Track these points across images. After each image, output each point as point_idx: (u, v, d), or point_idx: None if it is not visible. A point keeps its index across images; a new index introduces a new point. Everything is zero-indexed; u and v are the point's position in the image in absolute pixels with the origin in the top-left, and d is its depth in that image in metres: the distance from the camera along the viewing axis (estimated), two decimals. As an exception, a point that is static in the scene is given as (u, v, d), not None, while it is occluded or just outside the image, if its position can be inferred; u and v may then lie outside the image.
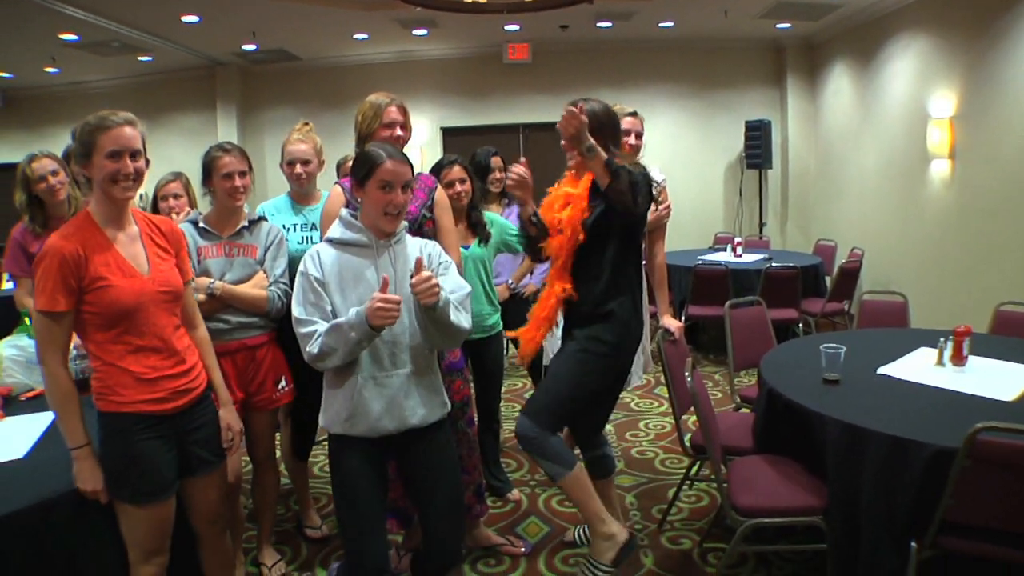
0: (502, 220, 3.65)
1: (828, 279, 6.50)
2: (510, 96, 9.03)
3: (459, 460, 2.76)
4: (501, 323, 3.57)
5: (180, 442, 2.18)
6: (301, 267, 2.26)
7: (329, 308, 2.22)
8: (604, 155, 2.45)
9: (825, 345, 2.81)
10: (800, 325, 5.81)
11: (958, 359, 2.91)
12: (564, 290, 2.70)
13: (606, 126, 2.66)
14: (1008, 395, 2.61)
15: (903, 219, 6.80)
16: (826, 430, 2.49)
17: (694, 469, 3.38)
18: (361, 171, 2.26)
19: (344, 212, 2.35)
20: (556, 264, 2.75)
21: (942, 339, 2.97)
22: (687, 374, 2.69)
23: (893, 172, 6.96)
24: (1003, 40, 5.35)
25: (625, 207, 2.47)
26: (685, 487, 3.56)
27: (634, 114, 3.34)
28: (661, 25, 7.83)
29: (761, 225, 8.75)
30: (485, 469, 3.55)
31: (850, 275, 5.90)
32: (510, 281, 3.93)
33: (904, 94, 6.75)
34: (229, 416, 2.40)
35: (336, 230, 2.32)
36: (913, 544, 2.28)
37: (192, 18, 6.67)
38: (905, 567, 2.28)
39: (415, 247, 2.37)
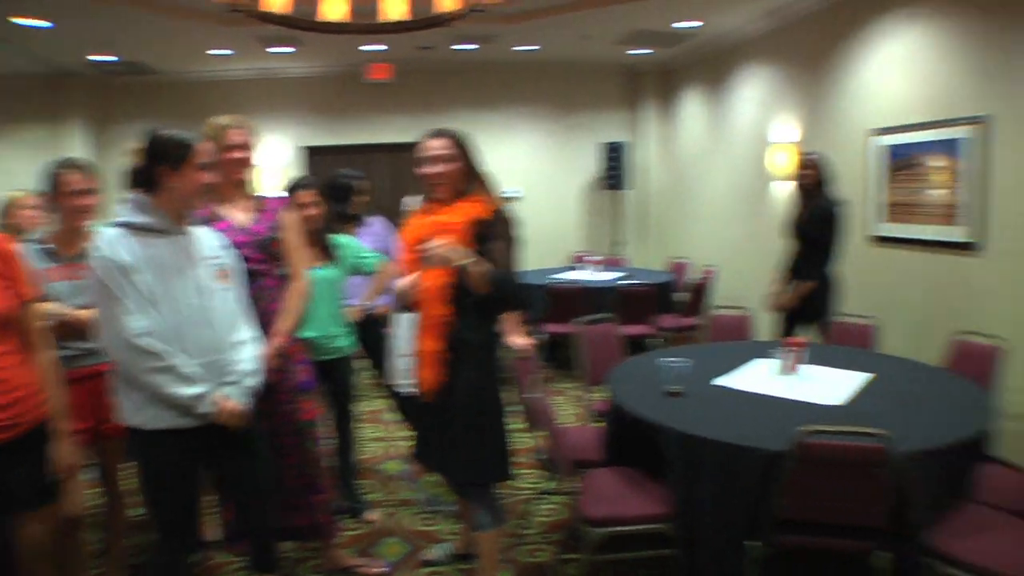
0: (354, 243, 3.64)
1: (681, 295, 6.76)
2: (374, 116, 8.95)
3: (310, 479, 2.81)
4: (352, 344, 3.57)
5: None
6: (104, 252, 2.16)
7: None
8: (483, 268, 2.43)
9: (664, 359, 2.91)
10: (663, 340, 6.00)
11: (792, 369, 3.08)
12: (443, 317, 2.58)
13: (470, 154, 2.64)
14: (837, 400, 2.80)
15: (750, 237, 7.19)
16: (667, 440, 2.57)
17: (550, 483, 3.43)
18: (176, 155, 2.23)
19: (134, 196, 2.28)
20: (429, 295, 2.60)
21: (777, 349, 3.15)
22: (536, 391, 2.73)
23: (740, 193, 7.38)
24: (837, 72, 5.79)
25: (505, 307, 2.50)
26: (544, 501, 3.60)
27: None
28: (522, 48, 7.97)
29: (618, 244, 9.04)
30: (340, 490, 3.50)
31: (699, 291, 6.17)
32: (362, 302, 3.88)
33: (750, 119, 7.18)
34: (62, 450, 2.25)
35: (130, 214, 2.25)
36: (753, 543, 2.39)
37: (34, 23, 6.19)
38: (745, 566, 2.39)
39: (203, 232, 2.41)
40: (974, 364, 3.29)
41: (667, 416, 2.66)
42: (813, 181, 4.76)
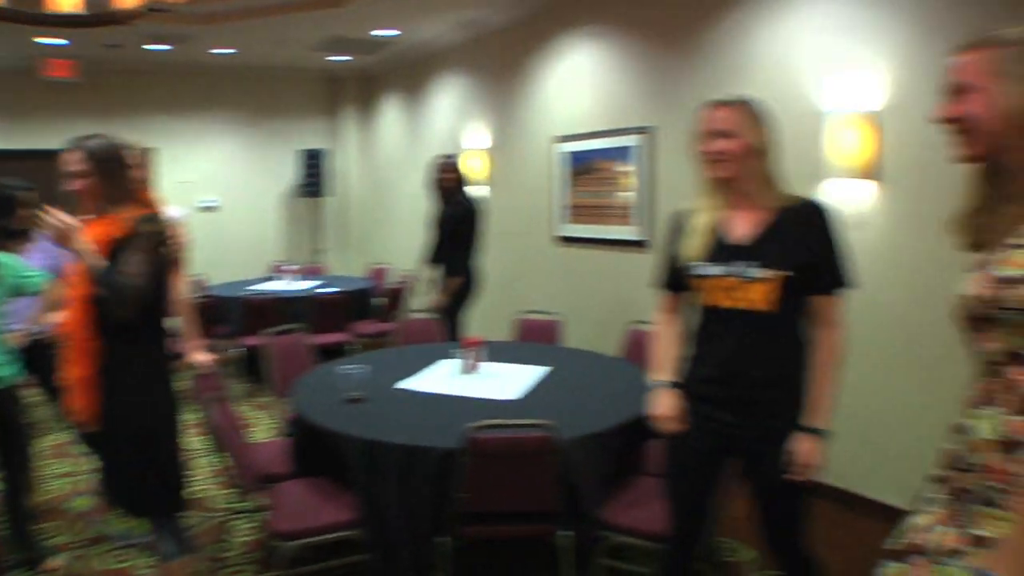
0: (16, 262, 3.21)
1: (380, 301, 6.83)
2: (54, 118, 7.84)
3: None
4: (17, 373, 3.13)
5: None
6: None
7: None
8: (92, 260, 2.25)
9: (344, 367, 2.93)
10: (360, 347, 5.99)
11: (473, 367, 3.24)
12: (88, 341, 2.34)
13: (108, 168, 2.37)
14: (513, 394, 2.97)
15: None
16: (348, 447, 2.57)
17: (244, 503, 3.29)
18: None
19: None
20: (72, 317, 2.36)
21: (457, 350, 3.29)
22: (218, 409, 2.61)
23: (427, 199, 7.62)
24: (525, 82, 6.18)
25: (115, 316, 2.30)
26: (241, 520, 3.46)
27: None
28: (219, 51, 7.57)
29: (319, 252, 8.91)
30: (14, 539, 3.12)
31: (396, 297, 6.28)
32: (28, 326, 3.44)
33: (445, 126, 7.43)
34: None
35: None
36: (442, 539, 2.46)
37: None
38: (436, 561, 2.47)
39: None
40: (645, 351, 3.67)
41: (347, 423, 2.66)
42: (454, 183, 5.21)
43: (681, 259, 2.18)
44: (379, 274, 7.53)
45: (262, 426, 5.08)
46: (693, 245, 2.15)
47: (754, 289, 2.06)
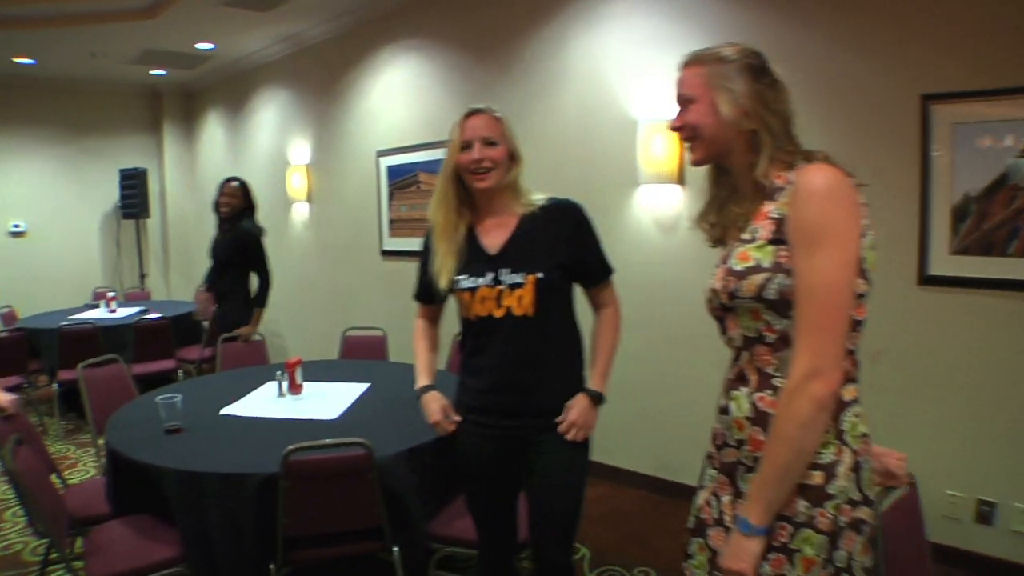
0: None
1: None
2: None
3: None
4: None
5: None
6: None
7: None
8: None
9: (161, 396, 2.85)
10: (181, 373, 5.78)
11: (295, 388, 3.23)
12: None
13: None
14: (333, 414, 2.97)
15: (274, 260, 7.17)
16: (167, 480, 2.50)
17: (55, 552, 3.10)
18: None
19: None
20: None
21: (279, 372, 3.26)
22: (15, 453, 2.46)
23: (262, 216, 7.34)
24: (347, 96, 6.17)
25: None
26: (61, 572, 3.26)
27: None
28: (20, 61, 7.06)
29: (142, 276, 8.48)
30: None
31: (225, 319, 6.09)
32: None
33: (269, 142, 7.28)
34: None
35: None
36: (271, 566, 2.43)
37: None
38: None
39: None
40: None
41: (164, 455, 2.59)
42: (237, 207, 4.98)
43: (438, 273, 2.17)
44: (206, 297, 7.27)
45: (83, 465, 4.80)
46: (443, 259, 2.16)
47: (514, 296, 2.09)
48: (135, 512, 2.75)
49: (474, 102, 4.99)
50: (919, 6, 3.18)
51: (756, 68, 1.54)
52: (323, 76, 6.44)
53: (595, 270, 2.23)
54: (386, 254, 5.90)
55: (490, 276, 2.12)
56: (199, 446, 2.72)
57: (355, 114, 6.12)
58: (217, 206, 5.04)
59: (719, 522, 1.56)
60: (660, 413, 4.11)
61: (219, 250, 5.04)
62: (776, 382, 1.45)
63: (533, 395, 2.15)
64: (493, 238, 2.17)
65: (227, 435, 2.84)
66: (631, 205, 4.17)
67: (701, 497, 1.64)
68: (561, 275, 2.15)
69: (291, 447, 2.30)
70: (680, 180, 3.99)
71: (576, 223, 2.20)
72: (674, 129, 1.63)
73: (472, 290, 2.12)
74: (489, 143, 2.09)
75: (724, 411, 1.56)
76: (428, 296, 2.33)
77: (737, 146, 1.55)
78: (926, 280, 3.24)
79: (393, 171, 5.72)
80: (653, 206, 4.11)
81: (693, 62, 1.59)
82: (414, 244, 5.51)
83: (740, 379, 1.52)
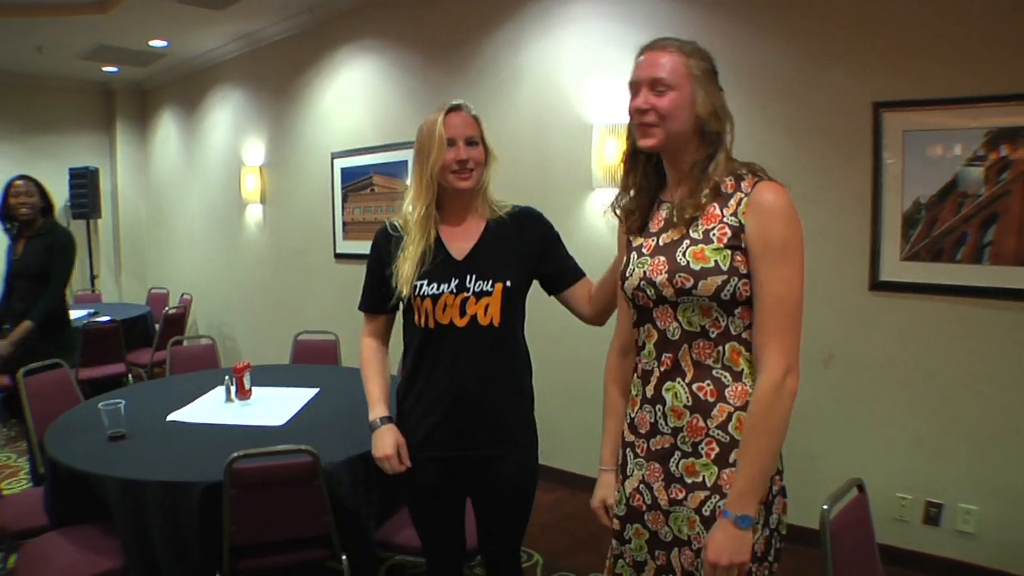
0: None
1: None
2: None
3: None
4: None
5: None
6: None
7: None
8: None
9: (104, 403, 2.76)
10: (131, 377, 5.64)
11: (243, 393, 3.15)
12: None
13: None
14: (281, 420, 2.91)
15: (227, 262, 7.20)
16: (108, 488, 2.41)
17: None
18: None
19: None
20: None
21: (227, 377, 3.19)
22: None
23: (216, 217, 7.33)
24: (302, 97, 6.08)
25: None
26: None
27: None
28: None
29: (93, 278, 8.27)
30: None
31: (175, 322, 5.97)
32: None
33: (223, 142, 7.15)
34: None
35: None
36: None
37: None
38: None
39: None
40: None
41: (106, 463, 2.50)
42: (37, 206, 4.08)
43: (396, 278, 2.02)
44: (159, 299, 7.14)
45: (24, 474, 4.65)
46: (413, 264, 1.99)
47: (480, 304, 1.98)
48: (75, 523, 2.66)
49: (429, 104, 4.99)
50: (872, 15, 3.22)
51: (715, 72, 1.61)
52: (278, 76, 6.34)
53: (570, 271, 2.14)
54: (339, 257, 5.82)
55: (455, 282, 1.99)
56: (143, 453, 2.63)
57: (310, 115, 6.04)
58: (7, 213, 4.07)
59: (653, 507, 1.64)
60: (560, 406, 4.09)
61: (29, 263, 4.01)
62: (716, 374, 1.55)
63: (497, 413, 2.03)
64: (459, 242, 2.05)
65: (172, 442, 2.76)
66: (585, 209, 4.17)
67: (629, 485, 1.70)
68: (526, 285, 2.09)
69: (235, 454, 2.23)
70: (636, 184, 3.98)
71: (546, 231, 2.13)
72: (638, 110, 1.59)
73: (435, 297, 1.98)
74: (471, 142, 2.00)
75: (653, 401, 1.63)
76: (378, 305, 2.15)
77: (691, 142, 1.60)
78: (877, 286, 3.27)
79: (347, 173, 5.65)
80: (602, 210, 4.10)
81: (672, 48, 1.58)
82: (368, 247, 5.43)
83: (676, 370, 1.59)
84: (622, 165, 1.74)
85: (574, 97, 4.21)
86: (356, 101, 5.57)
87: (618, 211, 1.76)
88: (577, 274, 2.15)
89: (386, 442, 2.02)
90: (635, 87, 1.60)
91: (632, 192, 1.72)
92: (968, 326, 3.11)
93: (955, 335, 3.14)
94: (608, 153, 3.93)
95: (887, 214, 3.23)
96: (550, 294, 2.18)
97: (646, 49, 1.60)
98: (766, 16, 3.50)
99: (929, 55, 3.09)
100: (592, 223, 4.11)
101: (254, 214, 6.74)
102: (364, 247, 5.48)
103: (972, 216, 3.04)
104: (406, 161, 5.08)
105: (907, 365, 3.23)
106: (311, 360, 4.26)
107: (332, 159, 5.76)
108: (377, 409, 2.10)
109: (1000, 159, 2.97)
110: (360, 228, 5.58)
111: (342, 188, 5.69)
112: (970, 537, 3.15)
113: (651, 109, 1.56)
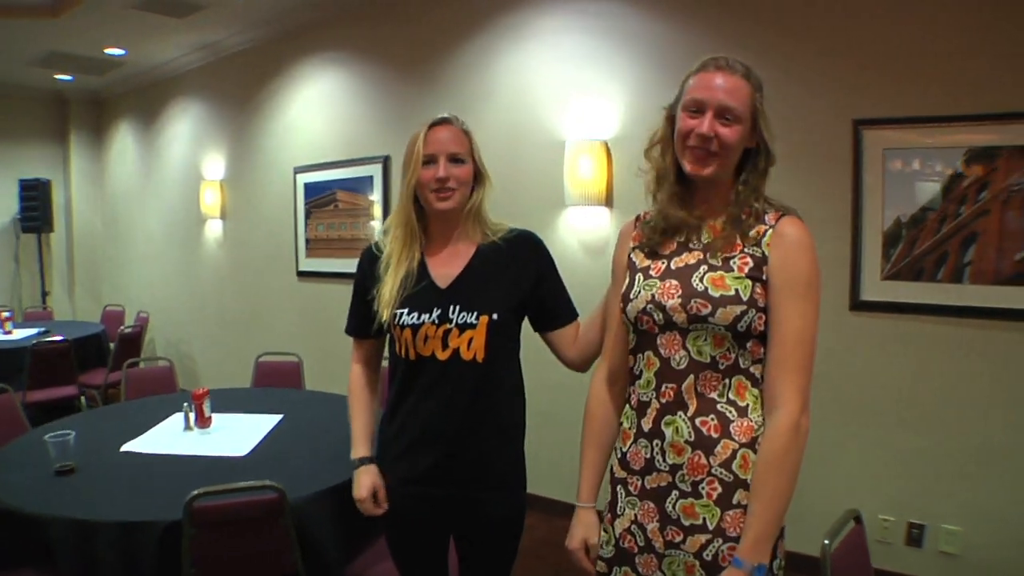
0: None
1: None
2: None
3: None
4: None
5: None
6: None
7: None
8: None
9: (51, 434, 2.57)
10: (84, 400, 5.39)
11: (203, 421, 2.98)
12: None
13: None
14: (243, 450, 2.74)
15: (185, 279, 6.97)
16: (52, 529, 2.20)
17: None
18: None
19: None
20: None
21: (186, 404, 3.02)
22: None
23: (174, 232, 7.10)
24: (265, 109, 5.91)
25: None
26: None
27: None
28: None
29: (44, 294, 7.96)
30: None
31: (131, 341, 5.73)
32: None
33: (182, 156, 6.93)
34: None
35: None
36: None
37: None
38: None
39: None
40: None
41: (52, 501, 2.30)
42: None
43: (379, 304, 1.87)
44: (114, 317, 6.89)
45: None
46: (393, 288, 1.86)
47: (463, 337, 1.82)
48: (13, 567, 2.46)
49: (396, 118, 4.84)
50: (852, 33, 3.19)
51: None
52: (240, 88, 6.16)
53: (564, 310, 2.00)
54: (302, 275, 5.65)
55: (437, 312, 1.83)
56: (94, 489, 2.43)
57: (272, 128, 5.87)
58: None
59: (647, 549, 1.54)
60: (537, 431, 3.97)
61: None
62: (721, 408, 1.46)
63: (482, 455, 1.88)
64: (445, 269, 1.89)
65: (126, 476, 2.56)
66: (557, 227, 4.08)
67: (620, 525, 1.60)
68: (516, 317, 1.94)
69: (196, 492, 2.08)
70: (608, 202, 3.91)
71: (543, 260, 1.98)
72: (702, 135, 1.47)
73: (414, 327, 1.83)
74: (456, 160, 1.84)
75: (650, 435, 1.53)
76: (364, 329, 1.98)
77: (732, 173, 1.54)
78: (858, 305, 3.23)
79: (310, 188, 5.49)
80: (580, 228, 4.03)
81: (741, 74, 1.49)
82: (332, 265, 5.31)
83: (678, 403, 1.49)
84: (656, 182, 1.61)
85: (547, 112, 4.12)
86: (320, 115, 5.42)
87: (651, 230, 1.62)
88: (571, 314, 2.01)
89: (362, 484, 1.92)
90: (699, 107, 1.49)
91: (671, 214, 1.59)
92: (949, 346, 3.08)
93: (936, 355, 3.11)
94: (582, 169, 3.85)
95: (867, 233, 3.18)
96: (537, 331, 2.04)
97: (714, 66, 1.49)
98: (744, 34, 3.45)
99: (909, 74, 3.07)
100: (565, 242, 4.02)
101: (214, 230, 6.54)
102: (327, 265, 5.47)
103: (952, 235, 3.01)
104: (371, 177, 4.97)
105: (888, 386, 3.19)
106: (273, 383, 4.09)
107: (295, 174, 5.60)
108: (358, 448, 1.98)
109: (979, 178, 2.95)
110: (323, 245, 5.43)
111: (305, 204, 5.54)
112: (954, 558, 3.12)
113: (715, 137, 1.47)
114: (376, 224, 4.98)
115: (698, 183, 1.55)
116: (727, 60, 1.49)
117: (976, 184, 2.96)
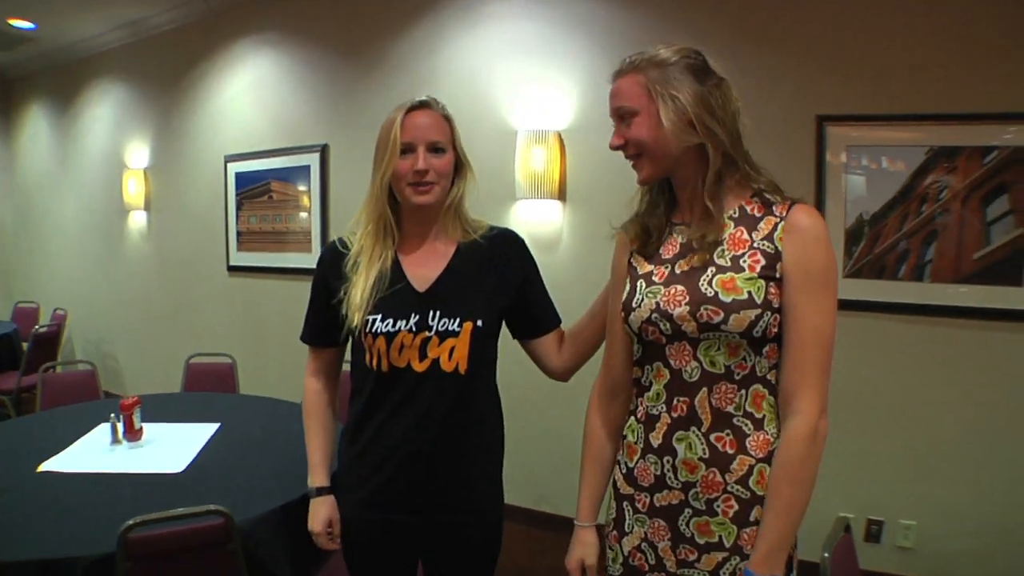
0: None
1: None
2: None
3: None
4: None
5: None
6: None
7: None
8: None
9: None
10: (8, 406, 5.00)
11: (133, 434, 2.73)
12: None
13: None
14: (179, 465, 2.49)
15: (107, 274, 6.54)
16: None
17: None
18: None
19: None
20: None
21: (113, 414, 2.75)
22: None
23: (94, 224, 6.65)
24: (194, 94, 5.55)
25: None
26: None
27: None
28: None
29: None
30: None
31: (47, 342, 5.33)
32: None
33: (103, 142, 6.48)
34: None
35: None
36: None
37: None
38: None
39: None
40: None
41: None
42: None
43: (346, 307, 1.68)
44: (30, 314, 6.45)
45: None
46: (364, 291, 1.67)
47: (444, 346, 1.65)
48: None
49: (335, 104, 4.58)
50: (817, 30, 3.14)
51: (698, 68, 1.41)
52: (167, 70, 5.76)
53: (547, 316, 1.85)
54: (234, 270, 5.35)
55: (415, 319, 1.65)
56: (6, 520, 2.12)
57: (202, 114, 5.53)
58: None
59: (658, 568, 1.48)
60: (538, 444, 3.89)
61: None
62: (737, 422, 1.38)
63: (461, 476, 1.71)
64: (422, 270, 1.71)
65: (46, 502, 2.24)
66: (508, 221, 3.92)
67: (628, 543, 1.53)
68: (499, 324, 1.78)
69: (131, 522, 1.84)
70: (561, 195, 3.79)
71: (528, 262, 1.83)
72: (615, 147, 1.45)
73: (389, 335, 1.65)
74: (436, 149, 1.66)
75: (660, 451, 1.44)
76: (326, 337, 1.80)
77: (687, 160, 1.43)
78: (820, 304, 3.18)
79: (242, 178, 5.19)
80: (532, 222, 3.89)
81: (629, 70, 1.43)
82: (265, 259, 5.05)
83: (691, 418, 1.41)
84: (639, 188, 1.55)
85: (496, 101, 3.96)
86: (253, 100, 5.12)
87: (633, 232, 1.54)
88: (553, 320, 1.86)
89: (318, 517, 1.77)
90: (615, 122, 1.46)
91: (645, 212, 1.54)
92: (909, 344, 3.08)
93: (896, 353, 3.11)
94: (534, 161, 3.70)
95: (831, 231, 3.12)
96: (517, 338, 1.87)
97: (613, 78, 1.46)
98: (703, 25, 3.37)
99: (874, 72, 3.05)
100: (517, 236, 3.88)
101: (138, 221, 6.14)
102: (261, 259, 5.19)
103: (914, 233, 2.99)
104: (308, 166, 4.72)
105: (848, 383, 3.15)
106: (206, 386, 3.82)
107: (226, 163, 5.29)
108: (316, 476, 1.82)
109: (940, 177, 2.93)
110: (256, 238, 5.15)
111: (236, 195, 5.24)
112: (909, 552, 3.16)
113: (625, 143, 1.43)
114: (312, 217, 4.74)
115: (678, 190, 1.50)
116: (621, 65, 1.46)
117: (937, 183, 2.93)
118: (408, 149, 1.65)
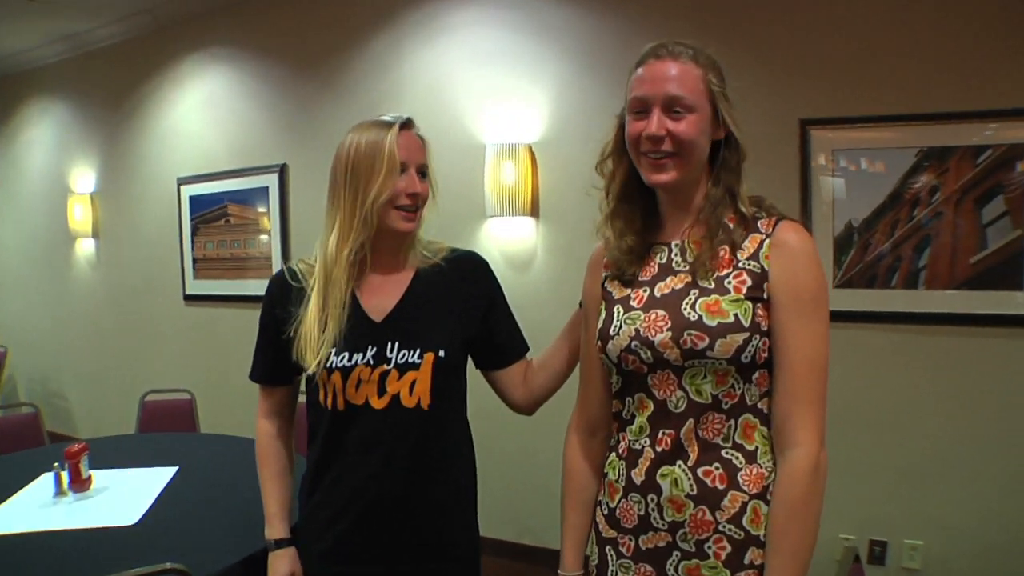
0: None
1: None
2: None
3: None
4: None
5: None
6: None
7: None
8: None
9: None
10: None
11: (80, 484, 2.47)
12: None
13: None
14: (132, 517, 2.24)
15: (52, 306, 6.19)
16: None
17: None
18: None
19: None
20: None
21: (57, 463, 2.49)
22: None
23: (37, 253, 6.30)
24: (138, 113, 5.30)
25: None
26: None
27: None
28: None
29: None
30: None
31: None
32: None
33: (44, 165, 6.15)
34: None
35: None
36: None
37: None
38: None
39: None
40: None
41: None
42: None
43: (300, 344, 1.55)
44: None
45: None
46: (316, 321, 1.55)
47: (404, 380, 1.54)
48: None
49: (292, 123, 4.37)
50: (790, 31, 3.07)
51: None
52: (113, 87, 5.48)
53: (514, 344, 1.73)
54: (190, 299, 5.09)
55: (372, 351, 1.54)
56: None
57: (152, 134, 5.26)
58: None
59: None
60: (520, 475, 3.72)
61: None
62: (727, 454, 1.29)
63: (430, 521, 1.59)
64: (377, 298, 1.60)
65: None
66: (478, 240, 3.77)
67: None
68: (464, 354, 1.65)
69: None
70: (534, 211, 3.64)
71: (493, 287, 1.72)
72: (652, 137, 1.28)
73: (345, 370, 1.53)
74: (424, 173, 1.58)
75: (643, 489, 1.33)
76: (275, 375, 1.70)
77: (702, 174, 1.36)
78: (811, 316, 3.05)
79: (197, 202, 4.96)
80: (504, 240, 3.73)
81: (687, 58, 1.30)
82: (224, 287, 4.81)
83: (676, 452, 1.30)
84: (614, 202, 1.41)
85: (464, 114, 3.80)
86: (206, 119, 4.89)
87: (619, 249, 1.40)
88: (519, 349, 1.74)
89: (276, 572, 1.64)
90: (643, 106, 1.30)
91: (625, 233, 1.40)
92: (906, 355, 2.98)
93: (892, 365, 3.01)
94: (504, 176, 3.54)
95: (818, 239, 2.97)
96: (480, 368, 1.74)
97: (654, 56, 1.30)
98: (679, 29, 3.21)
99: (857, 73, 2.97)
100: (486, 255, 3.67)
101: (85, 249, 5.82)
102: (219, 287, 4.93)
103: (906, 239, 2.89)
104: (266, 187, 4.52)
105: (843, 398, 3.02)
106: (163, 426, 3.57)
107: (179, 185, 5.04)
108: (273, 528, 1.70)
109: (932, 179, 2.83)
110: (213, 265, 4.91)
111: (191, 219, 5.00)
112: (916, 573, 3.02)
113: (667, 136, 1.27)
114: (271, 240, 4.52)
115: (665, 194, 1.37)
116: (668, 46, 1.32)
117: (929, 186, 2.83)
118: (401, 169, 1.54)
